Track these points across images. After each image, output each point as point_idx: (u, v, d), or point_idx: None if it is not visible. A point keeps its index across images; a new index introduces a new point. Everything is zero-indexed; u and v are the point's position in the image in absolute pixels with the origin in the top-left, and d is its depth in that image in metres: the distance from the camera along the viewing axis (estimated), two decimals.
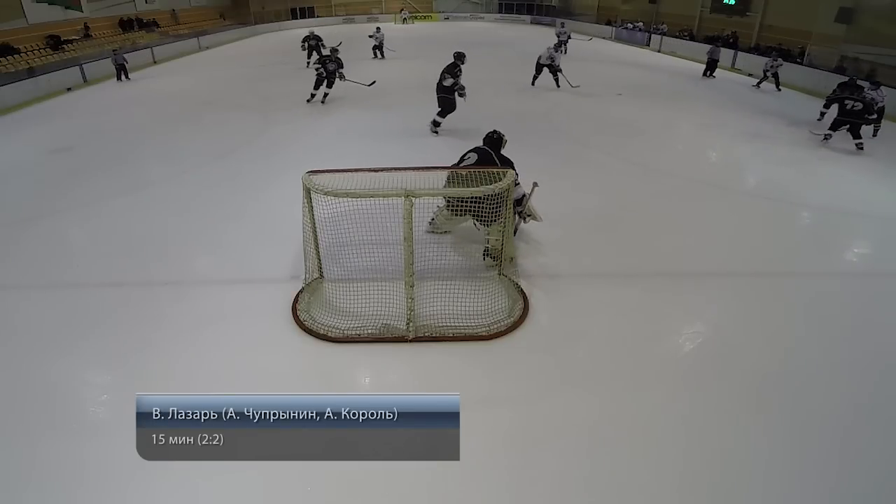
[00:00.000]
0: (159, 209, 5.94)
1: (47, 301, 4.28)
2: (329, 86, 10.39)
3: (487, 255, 4.59)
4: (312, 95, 10.51)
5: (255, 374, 3.38)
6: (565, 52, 18.28)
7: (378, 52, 17.10)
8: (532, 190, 4.70)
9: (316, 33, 15.56)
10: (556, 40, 16.73)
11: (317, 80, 10.31)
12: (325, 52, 14.30)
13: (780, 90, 12.48)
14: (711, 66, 14.14)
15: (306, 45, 15.20)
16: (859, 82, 8.66)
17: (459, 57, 8.21)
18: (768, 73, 12.59)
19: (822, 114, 9.24)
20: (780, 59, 12.81)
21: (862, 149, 7.74)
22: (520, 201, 4.69)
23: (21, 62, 15.03)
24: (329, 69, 10.07)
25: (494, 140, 4.82)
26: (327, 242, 4.23)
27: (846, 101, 7.76)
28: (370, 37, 17.33)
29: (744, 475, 2.72)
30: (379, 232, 4.09)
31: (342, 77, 10.15)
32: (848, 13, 13.59)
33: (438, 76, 8.13)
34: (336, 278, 4.23)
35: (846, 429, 3.01)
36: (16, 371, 3.49)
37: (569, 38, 18.75)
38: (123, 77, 14.30)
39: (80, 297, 4.30)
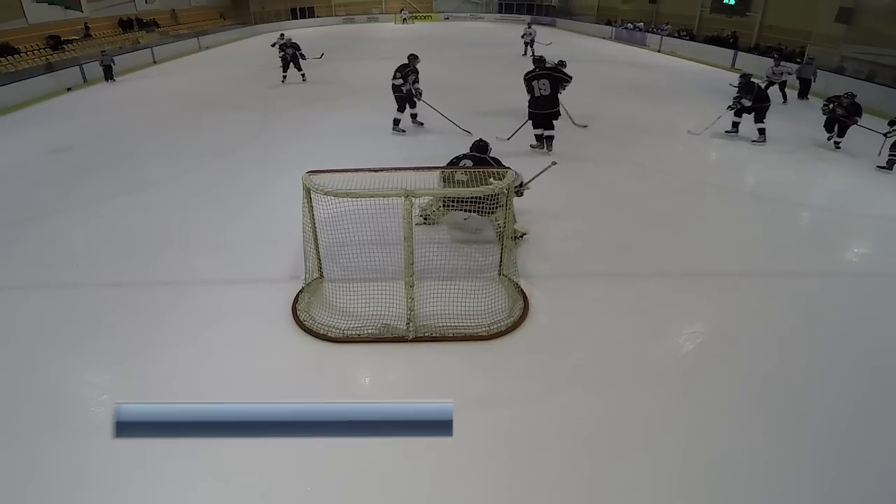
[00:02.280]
0: (159, 209, 5.95)
1: (47, 301, 4.29)
2: (413, 104, 8.59)
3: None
4: (396, 123, 8.54)
5: (255, 374, 3.39)
6: (534, 55, 17.30)
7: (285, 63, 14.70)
8: (548, 167, 5.23)
9: (293, 40, 12.99)
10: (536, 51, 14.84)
11: (399, 101, 8.38)
12: (304, 61, 12.54)
13: (785, 103, 11.15)
14: (804, 86, 11.84)
15: (283, 54, 12.71)
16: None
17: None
18: (774, 82, 11.17)
19: (832, 137, 8.18)
20: (785, 63, 11.26)
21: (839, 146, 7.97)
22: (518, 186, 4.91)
23: (21, 62, 15.03)
24: (411, 79, 8.17)
25: (482, 146, 5.25)
26: (327, 242, 4.23)
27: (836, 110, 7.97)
28: (273, 45, 14.66)
29: (743, 475, 2.73)
30: (379, 232, 4.10)
31: (419, 95, 8.38)
32: (848, 13, 13.58)
33: (538, 90, 7.17)
34: (336, 278, 4.23)
35: (844, 428, 3.02)
36: (16, 371, 3.49)
37: (533, 39, 17.22)
38: (110, 78, 14.20)
39: (81, 298, 4.30)
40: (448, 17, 32.86)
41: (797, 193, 6.37)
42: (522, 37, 17.49)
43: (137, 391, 3.31)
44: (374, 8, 33.52)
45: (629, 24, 22.80)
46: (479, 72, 14.42)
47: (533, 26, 18.26)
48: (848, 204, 6.07)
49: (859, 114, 7.87)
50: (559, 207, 5.70)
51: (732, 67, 15.42)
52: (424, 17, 32.76)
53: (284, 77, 13.00)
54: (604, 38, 23.13)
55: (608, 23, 24.56)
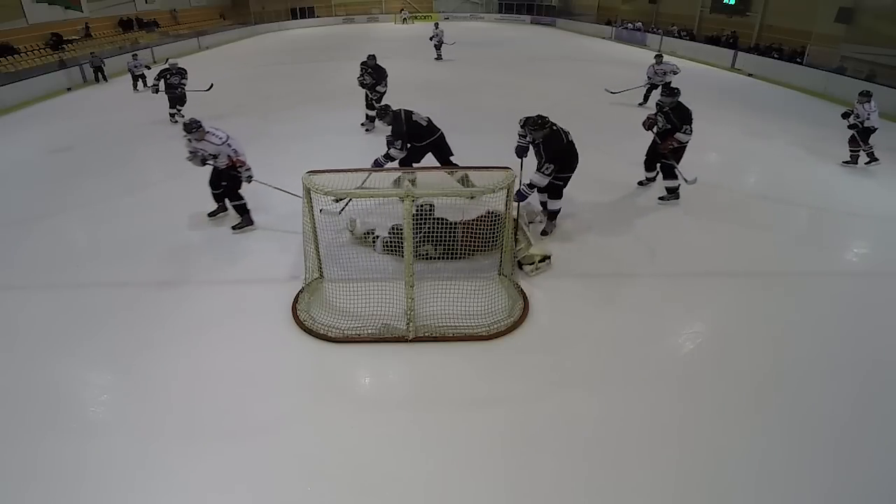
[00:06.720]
0: (159, 209, 5.95)
1: (48, 301, 4.29)
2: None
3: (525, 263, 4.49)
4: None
5: (255, 374, 3.39)
6: (441, 59, 15.97)
7: (139, 83, 12.94)
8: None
9: (180, 66, 9.50)
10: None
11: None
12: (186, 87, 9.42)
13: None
14: None
15: (159, 85, 9.53)
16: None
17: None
18: (656, 84, 9.38)
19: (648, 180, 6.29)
20: (665, 61, 9.52)
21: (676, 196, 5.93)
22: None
23: (21, 62, 15.03)
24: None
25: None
26: (327, 242, 4.23)
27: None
28: (133, 78, 12.94)
29: (742, 475, 2.73)
30: (379, 232, 4.10)
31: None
32: (848, 13, 13.57)
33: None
34: (336, 278, 4.23)
35: (843, 428, 3.02)
36: (17, 371, 3.50)
37: (441, 41, 15.91)
38: (101, 79, 14.24)
39: (81, 298, 4.30)
40: (448, 17, 32.86)
41: (797, 192, 6.36)
42: (431, 38, 16.04)
43: (138, 391, 3.31)
44: (374, 8, 33.54)
45: (629, 24, 22.79)
46: (478, 71, 14.41)
47: (440, 26, 16.62)
48: (848, 203, 6.07)
49: (685, 125, 5.77)
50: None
51: (732, 67, 15.41)
52: (425, 17, 32.73)
53: (173, 116, 9.67)
54: (604, 38, 23.12)
55: (608, 23, 24.56)
